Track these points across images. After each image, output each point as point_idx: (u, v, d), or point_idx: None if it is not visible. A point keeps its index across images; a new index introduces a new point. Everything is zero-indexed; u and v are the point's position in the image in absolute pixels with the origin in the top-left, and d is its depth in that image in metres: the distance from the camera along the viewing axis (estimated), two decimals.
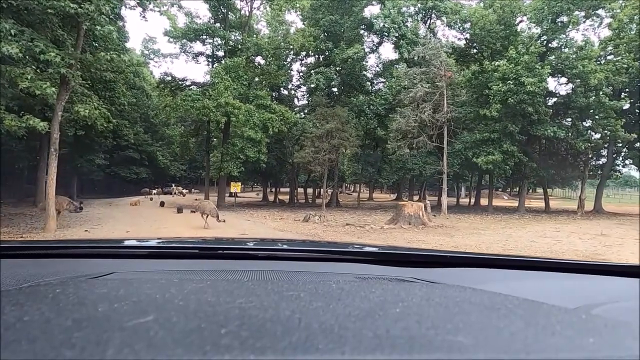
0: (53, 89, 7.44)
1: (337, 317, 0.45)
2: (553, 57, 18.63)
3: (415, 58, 20.20)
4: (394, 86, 21.65)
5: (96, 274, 0.85)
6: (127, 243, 1.43)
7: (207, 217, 10.65)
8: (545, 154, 22.10)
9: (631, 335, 0.47)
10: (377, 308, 0.50)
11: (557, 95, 20.56)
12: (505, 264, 1.17)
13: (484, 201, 29.12)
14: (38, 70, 7.67)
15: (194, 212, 11.03)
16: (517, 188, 54.57)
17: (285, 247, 1.39)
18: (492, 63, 17.95)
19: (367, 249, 1.50)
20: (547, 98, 19.40)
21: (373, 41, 26.18)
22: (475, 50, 24.08)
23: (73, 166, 26.88)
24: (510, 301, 0.59)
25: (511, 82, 16.80)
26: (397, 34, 22.04)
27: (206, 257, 1.15)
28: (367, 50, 24.95)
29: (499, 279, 1.01)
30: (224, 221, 10.67)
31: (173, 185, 43.16)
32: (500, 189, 48.98)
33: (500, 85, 17.21)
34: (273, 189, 36.46)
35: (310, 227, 12.32)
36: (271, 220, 14.40)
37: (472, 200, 30.50)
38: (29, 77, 7.16)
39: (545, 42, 19.31)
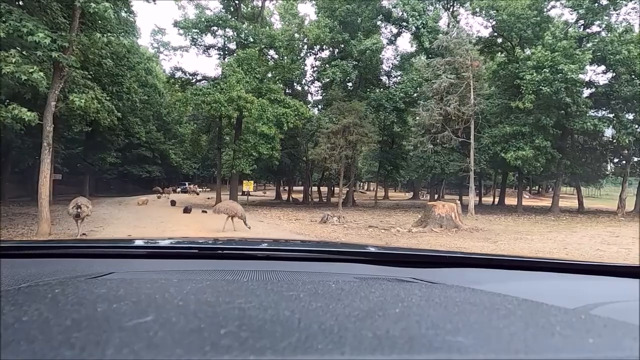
0: (41, 74, 6.57)
1: (336, 317, 0.45)
2: (590, 43, 17.03)
3: (438, 48, 18.88)
4: (415, 78, 20.33)
5: (95, 274, 0.85)
6: (126, 243, 1.38)
7: (231, 219, 9.63)
8: (580, 150, 20.47)
9: (631, 336, 0.45)
10: (376, 308, 0.50)
11: (595, 85, 18.88)
12: (505, 264, 1.16)
13: (507, 200, 27.58)
14: (24, 53, 6.81)
15: (218, 213, 9.85)
16: (537, 187, 52.77)
17: (284, 247, 1.36)
18: (525, 51, 16.46)
19: (366, 249, 1.45)
20: (584, 88, 17.80)
21: (391, 32, 24.94)
22: (500, 40, 22.55)
23: (85, 164, 26.51)
24: (509, 301, 0.58)
25: (547, 71, 15.32)
26: (417, 23, 20.70)
27: (206, 257, 1.13)
28: (384, 42, 23.72)
29: (498, 279, 1.00)
30: (249, 228, 9.61)
31: (187, 184, 42.87)
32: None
33: (535, 74, 15.74)
34: (285, 188, 35.59)
35: (329, 229, 11.25)
36: (286, 222, 13.38)
37: (496, 199, 28.86)
38: (14, 60, 6.30)
39: (582, 26, 17.72)
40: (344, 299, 0.55)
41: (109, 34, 7.45)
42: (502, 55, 23.25)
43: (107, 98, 11.11)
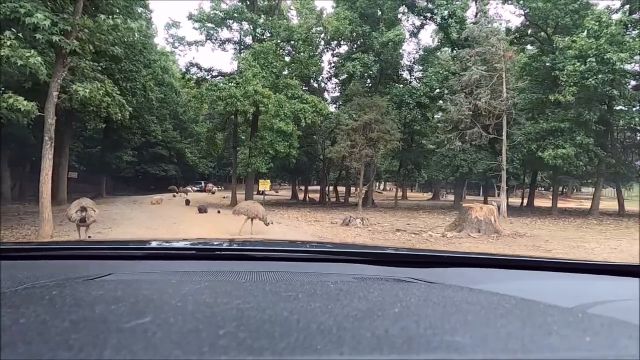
0: (39, 58, 5.92)
1: (335, 317, 0.45)
2: (638, 30, 15.46)
3: (466, 39, 17.66)
4: (440, 72, 19.12)
5: (93, 276, 0.83)
6: (124, 244, 1.34)
7: (250, 221, 8.87)
8: (622, 148, 18.83)
9: (628, 335, 0.45)
10: (375, 308, 0.50)
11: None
12: (503, 263, 1.16)
13: (535, 202, 25.97)
14: (21, 36, 6.15)
15: (237, 215, 9.05)
16: (561, 187, 50.24)
17: (282, 247, 1.31)
18: (566, 39, 15.07)
19: (364, 249, 1.44)
20: (631, 80, 16.23)
21: (413, 24, 23.74)
22: (532, 30, 21.09)
23: (102, 163, 26.42)
24: (507, 301, 0.58)
25: (592, 60, 13.91)
26: (444, 13, 19.48)
27: (203, 258, 1.12)
28: (407, 34, 22.60)
29: (496, 279, 0.99)
30: (271, 223, 9.14)
31: (202, 183, 42.73)
32: (543, 188, 44.91)
33: (577, 64, 14.36)
34: (300, 187, 34.80)
35: (353, 232, 10.33)
36: (305, 223, 12.53)
37: (524, 200, 27.23)
38: (9, 43, 5.65)
39: (627, 12, 16.17)
40: (343, 299, 0.55)
41: (114, 16, 6.74)
42: (534, 47, 21.82)
43: (118, 92, 10.49)
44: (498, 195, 43.46)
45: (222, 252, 1.15)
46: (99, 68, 9.86)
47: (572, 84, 14.70)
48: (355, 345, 0.36)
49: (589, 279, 1.04)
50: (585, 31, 14.73)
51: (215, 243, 1.33)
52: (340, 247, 1.53)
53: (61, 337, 0.36)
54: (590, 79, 14.13)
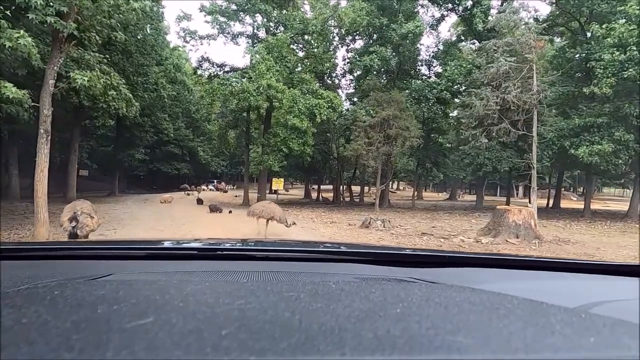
0: (29, 39, 5.30)
1: (337, 318, 0.45)
2: None
3: (490, 30, 16.61)
4: (463, 65, 18.06)
5: (94, 276, 0.83)
6: (125, 244, 1.32)
7: (266, 222, 8.19)
8: None
9: (631, 335, 0.45)
10: (377, 309, 0.50)
11: None
12: (505, 263, 1.15)
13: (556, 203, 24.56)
14: (9, 14, 5.54)
15: (259, 217, 8.32)
16: (582, 188, 48.14)
17: (284, 247, 1.30)
18: (603, 27, 13.87)
19: (366, 249, 1.41)
20: None
21: (433, 16, 22.69)
22: (561, 19, 19.79)
23: (115, 161, 26.23)
24: (509, 301, 0.58)
25: (634, 48, 12.72)
26: (467, 3, 18.42)
27: (205, 258, 1.12)
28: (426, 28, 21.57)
29: (498, 279, 0.99)
30: (294, 224, 8.54)
31: (215, 181, 42.52)
32: (563, 189, 43.11)
33: (616, 53, 13.17)
34: (313, 187, 34.01)
35: (375, 236, 9.50)
36: (321, 225, 11.75)
37: (549, 201, 25.84)
38: None
39: None
40: (344, 299, 0.55)
41: None
42: (563, 38, 20.53)
43: (125, 86, 9.91)
44: (521, 196, 41.69)
45: (224, 252, 1.15)
46: (106, 60, 9.25)
47: (609, 75, 13.52)
48: (356, 346, 0.36)
49: (590, 279, 1.04)
50: (624, 18, 13.50)
51: (217, 243, 1.31)
52: (342, 247, 1.51)
53: (63, 337, 0.36)
54: (630, 70, 12.95)
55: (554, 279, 1.01)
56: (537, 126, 15.09)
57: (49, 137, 6.10)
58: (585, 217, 16.59)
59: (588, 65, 15.21)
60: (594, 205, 27.34)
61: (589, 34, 15.70)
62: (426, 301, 0.57)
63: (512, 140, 16.48)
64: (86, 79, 6.31)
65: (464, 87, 19.11)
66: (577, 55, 17.02)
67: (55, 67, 6.05)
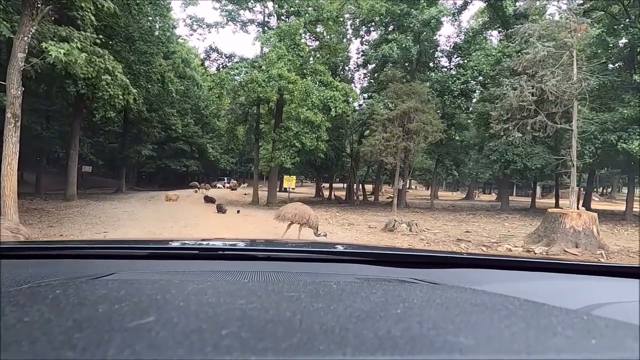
0: None
1: (338, 318, 0.45)
2: None
3: (523, 14, 15.12)
4: (492, 53, 16.58)
5: (97, 275, 0.83)
6: (127, 244, 1.32)
7: (299, 227, 7.13)
8: None
9: (632, 336, 0.45)
10: (378, 309, 0.50)
11: None
12: (507, 264, 1.15)
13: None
14: None
15: (291, 222, 7.19)
16: (602, 188, 45.64)
17: (285, 247, 1.31)
18: None
19: (367, 249, 1.42)
20: None
21: (454, 3, 21.19)
22: (601, 3, 18.10)
23: (121, 157, 25.45)
24: (511, 302, 0.58)
25: None
26: None
27: (207, 257, 1.11)
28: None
29: (500, 280, 0.99)
30: (324, 235, 7.46)
31: (225, 179, 41.74)
32: (582, 188, 41.03)
33: None
34: (324, 184, 32.77)
35: (402, 241, 8.24)
36: (338, 227, 10.53)
37: (579, 203, 24.09)
38: None
39: None
40: (346, 299, 0.55)
41: None
42: (600, 25, 18.85)
43: (121, 71, 8.84)
44: (539, 196, 39.67)
45: (225, 252, 1.14)
46: (99, 41, 8.19)
47: None
48: (358, 346, 0.36)
49: (591, 280, 1.04)
50: None
51: (219, 243, 1.30)
52: (343, 247, 1.44)
53: (65, 336, 0.36)
54: None
55: (556, 280, 1.01)
56: (577, 119, 13.59)
57: (18, 123, 5.04)
58: (628, 221, 15.01)
59: (632, 52, 13.62)
60: (614, 207, 25.41)
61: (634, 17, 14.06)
62: (427, 302, 0.56)
63: (545, 135, 15.00)
64: (62, 51, 5.21)
65: (488, 79, 17.67)
66: (620, 42, 15.41)
67: (25, 38, 4.97)
